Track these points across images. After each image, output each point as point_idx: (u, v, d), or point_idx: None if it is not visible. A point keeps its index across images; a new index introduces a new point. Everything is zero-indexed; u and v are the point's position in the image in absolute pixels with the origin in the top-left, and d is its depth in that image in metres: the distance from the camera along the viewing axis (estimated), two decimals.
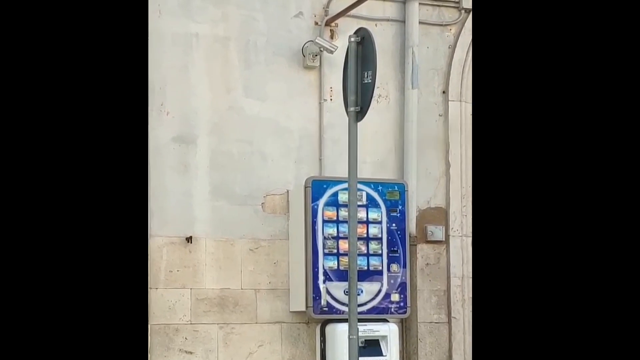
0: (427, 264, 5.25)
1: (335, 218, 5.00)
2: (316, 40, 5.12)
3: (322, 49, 5.14)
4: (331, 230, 4.98)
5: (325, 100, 5.22)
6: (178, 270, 4.92)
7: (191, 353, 4.91)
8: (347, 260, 4.65)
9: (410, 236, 5.22)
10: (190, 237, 4.90)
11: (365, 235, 5.06)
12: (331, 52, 5.07)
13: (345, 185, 4.64)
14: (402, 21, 5.35)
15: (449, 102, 5.49)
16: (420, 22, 5.35)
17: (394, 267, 5.05)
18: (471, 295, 5.15)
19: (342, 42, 4.84)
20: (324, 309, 5.00)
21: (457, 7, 5.44)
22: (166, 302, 4.95)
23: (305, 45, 5.14)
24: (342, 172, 4.83)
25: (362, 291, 4.87)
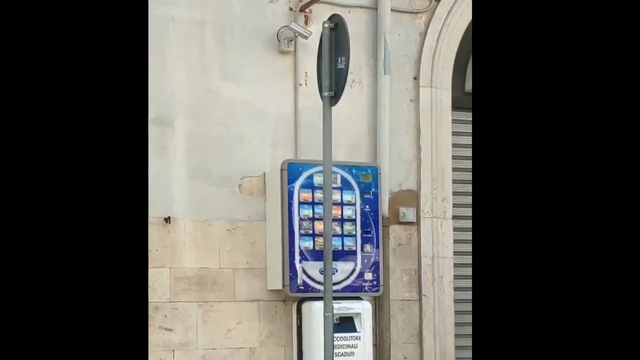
0: (399, 244, 5.28)
1: (310, 200, 5.03)
2: (291, 26, 5.09)
3: (296, 35, 5.12)
4: (307, 212, 5.01)
5: (300, 84, 5.21)
6: (157, 250, 4.90)
7: (170, 330, 4.94)
8: (322, 241, 4.69)
9: (382, 218, 5.23)
10: (169, 218, 4.93)
11: (339, 217, 5.08)
12: (305, 37, 5.03)
13: (320, 168, 4.68)
14: (375, 8, 5.36)
15: (420, 88, 5.50)
16: (392, 10, 5.35)
17: (368, 247, 5.09)
18: (441, 274, 5.32)
19: (316, 28, 4.89)
20: (300, 287, 5.01)
21: None
22: None
23: (280, 31, 5.12)
24: (317, 155, 4.84)
25: (336, 270, 4.93)
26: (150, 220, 4.84)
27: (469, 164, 5.32)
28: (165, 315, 4.95)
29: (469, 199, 5.34)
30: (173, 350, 4.97)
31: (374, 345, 5.18)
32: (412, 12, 5.43)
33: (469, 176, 5.38)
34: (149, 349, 4.79)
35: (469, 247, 5.23)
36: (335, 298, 4.61)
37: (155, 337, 4.89)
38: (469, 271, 5.32)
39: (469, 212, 5.32)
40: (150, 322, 4.89)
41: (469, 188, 5.34)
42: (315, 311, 4.84)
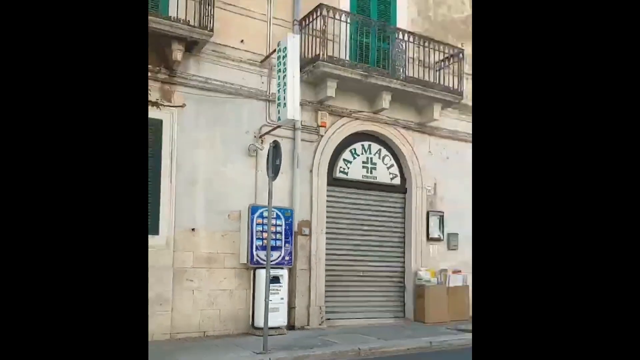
0: (301, 244, 8.37)
1: (261, 222, 7.78)
2: (255, 144, 8.06)
3: (257, 148, 8.02)
4: (259, 228, 7.77)
5: (258, 171, 8.03)
6: (188, 244, 7.37)
7: (192, 281, 7.52)
8: (266, 241, 6.92)
9: (294, 232, 8.18)
10: (194, 229, 7.59)
11: (275, 230, 7.87)
12: (261, 149, 7.96)
13: (266, 208, 7.03)
14: (294, 139, 8.57)
15: (313, 175, 8.60)
16: (301, 140, 8.57)
17: (287, 245, 8.07)
18: (319, 258, 8.31)
19: (266, 146, 7.43)
20: (255, 262, 7.69)
21: (317, 134, 8.63)
22: (180, 259, 7.31)
23: (250, 146, 8.04)
24: (265, 202, 7.24)
25: (272, 255, 7.55)
26: (183, 229, 7.23)
27: (334, 209, 8.72)
28: (189, 275, 7.41)
29: (333, 225, 8.69)
30: (193, 290, 7.52)
31: (288, 290, 7.97)
32: (310, 142, 8.63)
33: (333, 215, 8.70)
34: (182, 291, 7.14)
35: (332, 247, 8.63)
36: (271, 267, 7.01)
37: (185, 285, 7.36)
38: (332, 257, 8.65)
39: (333, 231, 8.67)
40: (181, 279, 7.20)
41: (333, 220, 8.69)
42: (261, 274, 7.46)
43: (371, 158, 9.69)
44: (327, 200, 8.95)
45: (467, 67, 10.73)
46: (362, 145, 9.60)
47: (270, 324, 7.04)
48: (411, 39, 9.46)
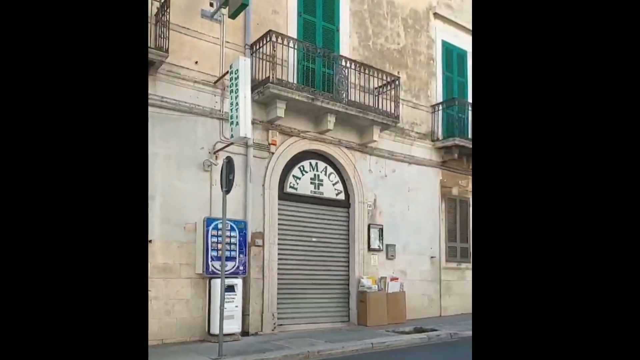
0: (255, 254, 8.54)
1: (216, 234, 7.89)
2: (209, 159, 8.14)
3: (212, 164, 8.12)
4: (214, 239, 7.87)
5: (213, 184, 8.11)
6: None
7: (150, 291, 7.45)
8: (221, 252, 7.04)
9: (248, 243, 8.34)
10: (151, 240, 7.52)
11: (229, 241, 8.00)
12: (215, 165, 8.03)
13: (221, 220, 7.25)
14: (246, 155, 8.76)
15: (265, 189, 8.84)
16: (253, 156, 8.78)
17: (241, 255, 8.23)
18: (272, 268, 8.47)
19: (220, 161, 7.52)
20: (210, 272, 7.77)
21: (268, 151, 8.84)
22: None
23: (204, 161, 8.12)
24: (219, 214, 7.38)
25: (227, 265, 7.70)
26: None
27: (285, 222, 8.93)
28: (149, 285, 7.27)
29: (284, 236, 8.92)
30: (150, 299, 7.46)
31: (243, 296, 8.05)
32: (262, 158, 8.88)
33: (285, 227, 8.90)
34: None
35: (284, 257, 8.83)
36: (226, 277, 7.16)
37: None
38: (284, 267, 8.84)
39: (284, 242, 8.88)
40: None
41: (285, 232, 8.92)
42: (216, 283, 7.48)
43: (318, 175, 10.04)
44: (279, 213, 9.21)
45: (402, 93, 11.46)
46: (310, 162, 9.95)
47: (225, 331, 7.11)
48: (353, 66, 9.97)
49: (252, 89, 8.41)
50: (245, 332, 8.39)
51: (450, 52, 12.77)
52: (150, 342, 7.55)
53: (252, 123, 8.31)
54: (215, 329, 7.47)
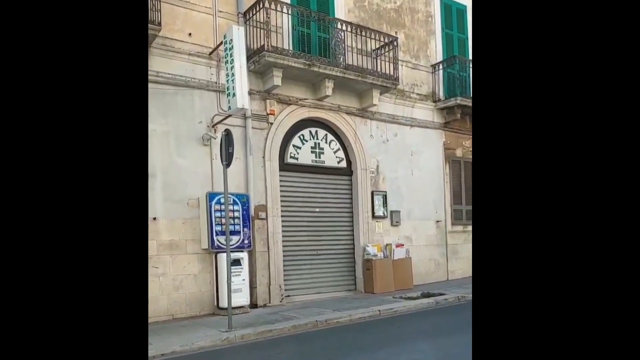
0: (259, 227, 8.81)
1: (219, 209, 8.11)
2: (208, 133, 8.32)
3: (211, 137, 8.27)
4: (218, 214, 8.11)
5: (213, 159, 8.30)
6: (149, 233, 7.44)
7: (157, 268, 7.79)
8: (225, 227, 7.16)
9: (251, 216, 8.59)
10: (155, 218, 7.82)
11: (233, 216, 8.25)
12: (214, 138, 8.22)
13: (223, 195, 7.43)
14: (245, 127, 8.94)
15: (265, 161, 9.03)
16: (252, 128, 8.93)
17: (245, 229, 8.46)
18: (276, 240, 8.72)
19: (219, 134, 7.62)
20: (216, 247, 8.05)
21: (267, 121, 8.99)
22: None
23: (204, 135, 8.28)
24: (221, 189, 7.51)
25: (232, 239, 7.93)
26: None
27: (287, 193, 9.14)
28: (154, 262, 7.68)
29: (287, 208, 9.14)
30: (159, 276, 7.73)
31: (249, 269, 8.38)
32: (261, 129, 9.04)
33: (287, 198, 9.11)
34: (149, 278, 7.21)
35: (288, 228, 9.10)
36: (231, 251, 7.44)
37: (151, 271, 7.55)
38: (289, 238, 9.12)
39: (288, 213, 9.09)
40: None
41: (288, 203, 9.12)
42: (222, 257, 7.86)
43: (319, 143, 10.19)
44: (281, 185, 9.39)
45: (401, 54, 11.51)
46: (310, 131, 10.07)
47: (233, 304, 7.41)
48: (349, 29, 9.99)
49: (248, 59, 8.48)
50: (254, 305, 8.66)
51: (449, 8, 12.75)
52: (160, 318, 7.90)
53: (249, 93, 8.43)
54: (224, 303, 7.74)
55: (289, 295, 9.39)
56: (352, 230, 10.62)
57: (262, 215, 8.97)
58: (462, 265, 12.19)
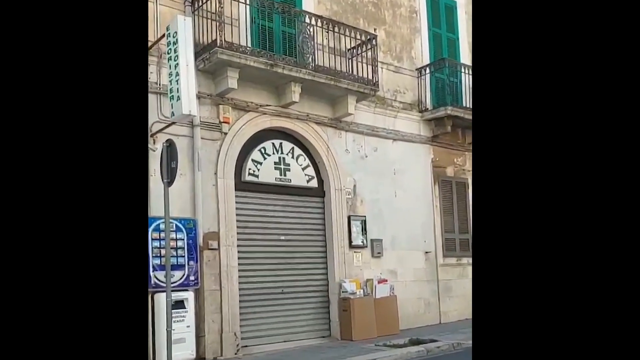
0: (209, 260, 8.44)
1: (158, 237, 7.77)
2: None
3: (150, 149, 7.82)
4: (156, 244, 7.79)
5: (151, 175, 7.80)
6: None
7: None
8: (165, 260, 6.99)
9: (200, 246, 8.26)
10: None
11: (175, 246, 7.88)
12: (154, 150, 7.75)
13: (163, 220, 7.05)
14: (192, 137, 8.60)
15: (218, 178, 8.73)
16: (202, 138, 8.62)
17: (192, 262, 8.11)
18: (231, 276, 8.45)
19: (159, 145, 7.33)
20: (153, 285, 7.65)
21: (220, 131, 8.79)
22: None
23: None
24: (162, 212, 7.08)
25: (174, 275, 7.65)
26: None
27: (245, 218, 8.96)
28: None
29: (245, 236, 8.94)
30: None
31: (195, 314, 8.01)
32: (212, 140, 8.75)
33: (245, 224, 8.94)
34: None
35: (246, 261, 8.89)
36: (173, 290, 7.14)
37: None
38: (246, 273, 8.90)
39: (245, 243, 8.88)
40: None
41: (245, 230, 8.93)
42: (162, 298, 7.40)
43: (284, 158, 9.95)
44: (237, 208, 9.14)
45: (381, 55, 11.40)
46: (273, 143, 9.84)
47: (175, 358, 7.05)
48: (319, 23, 9.83)
49: (196, 56, 8.29)
50: (201, 358, 8.34)
51: (436, 4, 12.76)
52: None
53: (198, 97, 8.22)
54: (162, 356, 7.37)
55: (246, 346, 9.01)
56: (326, 263, 10.36)
57: (214, 244, 8.64)
58: (456, 305, 12.00)
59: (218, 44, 8.40)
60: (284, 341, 9.53)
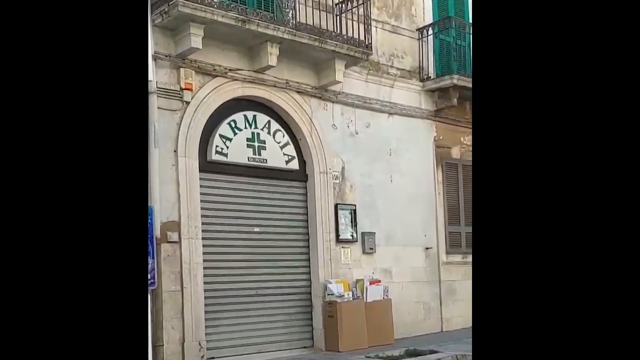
0: (168, 255, 8.27)
1: None
2: None
3: None
4: None
5: None
6: None
7: None
8: None
9: (156, 239, 8.08)
10: None
11: None
12: None
13: None
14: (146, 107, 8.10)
15: (179, 157, 8.57)
16: (158, 107, 8.35)
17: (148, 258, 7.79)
18: (195, 274, 8.36)
19: None
20: None
21: (181, 99, 8.61)
22: None
23: None
24: None
25: None
26: None
27: (211, 205, 8.82)
28: None
29: (211, 227, 8.82)
30: None
31: (151, 320, 7.79)
32: (172, 110, 8.54)
33: (211, 212, 8.82)
34: None
35: (213, 257, 8.73)
36: None
37: None
38: (213, 272, 8.77)
39: (212, 235, 8.76)
40: None
41: (212, 220, 8.81)
42: None
43: (258, 134, 9.79)
44: (202, 193, 8.96)
45: (375, 12, 11.25)
46: (245, 115, 9.66)
47: None
48: None
49: (153, 8, 8.21)
50: None
51: None
52: None
53: (154, 58, 8.25)
54: None
55: (213, 357, 8.85)
56: (308, 261, 10.23)
57: (173, 237, 8.43)
58: (461, 310, 11.91)
59: None
60: (258, 352, 9.47)
